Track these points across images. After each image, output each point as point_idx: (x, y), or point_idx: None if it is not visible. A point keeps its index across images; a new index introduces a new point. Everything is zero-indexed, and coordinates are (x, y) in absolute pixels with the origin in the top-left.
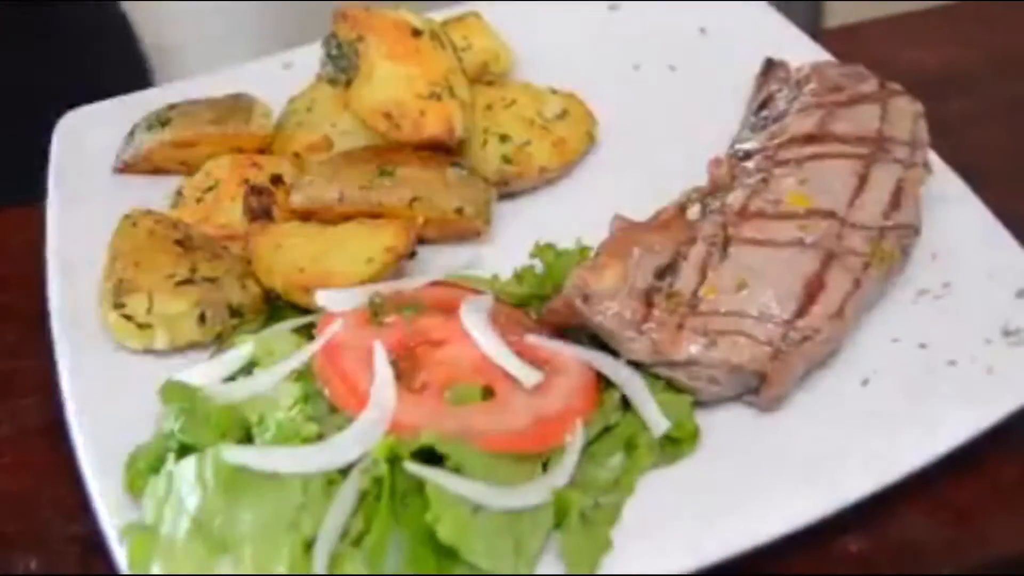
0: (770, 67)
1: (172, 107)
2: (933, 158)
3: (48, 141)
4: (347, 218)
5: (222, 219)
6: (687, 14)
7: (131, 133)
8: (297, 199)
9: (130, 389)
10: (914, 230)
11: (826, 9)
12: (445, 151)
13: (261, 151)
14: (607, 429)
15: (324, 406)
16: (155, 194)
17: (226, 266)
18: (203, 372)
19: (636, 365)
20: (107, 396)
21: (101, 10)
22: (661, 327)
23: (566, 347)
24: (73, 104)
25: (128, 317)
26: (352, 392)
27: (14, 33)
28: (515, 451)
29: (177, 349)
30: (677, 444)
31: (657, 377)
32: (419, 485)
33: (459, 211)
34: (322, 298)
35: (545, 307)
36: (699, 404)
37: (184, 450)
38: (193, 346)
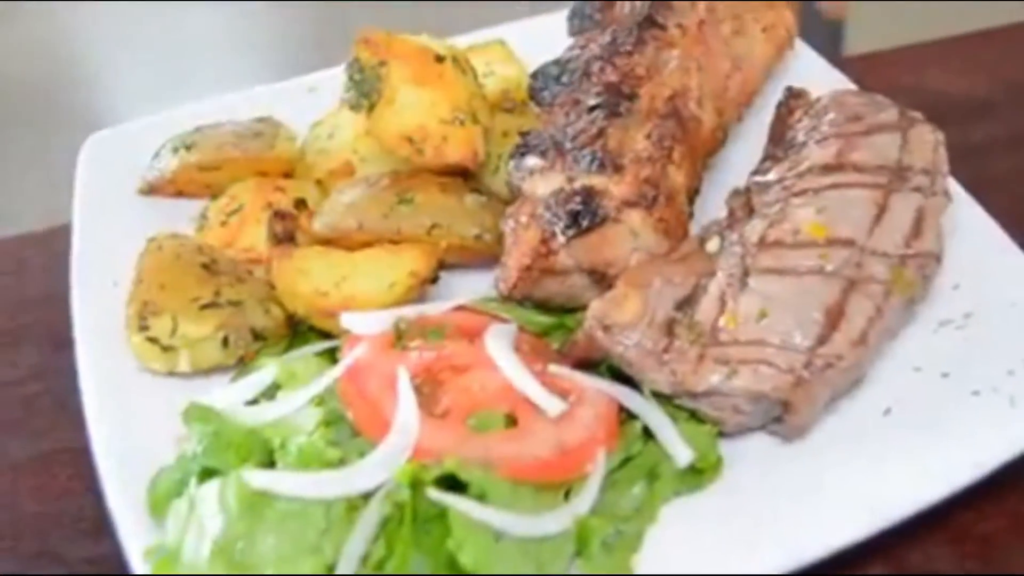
0: (791, 95)
1: (197, 130)
2: (955, 187)
3: None
4: (368, 244)
5: (246, 243)
6: None
7: (156, 155)
8: (317, 227)
9: (153, 411)
10: (935, 258)
11: (848, 37)
12: (465, 177)
13: (286, 175)
14: (629, 459)
15: (346, 430)
16: (179, 216)
17: (250, 290)
18: (226, 395)
19: (660, 395)
20: (130, 418)
21: None
22: (682, 358)
23: (588, 378)
24: None
25: (152, 340)
26: (375, 418)
27: None
28: (538, 479)
29: (200, 372)
30: (700, 474)
31: (681, 408)
32: (441, 511)
33: (478, 238)
34: (347, 321)
35: (566, 340)
36: (722, 434)
37: (207, 473)
38: (216, 369)
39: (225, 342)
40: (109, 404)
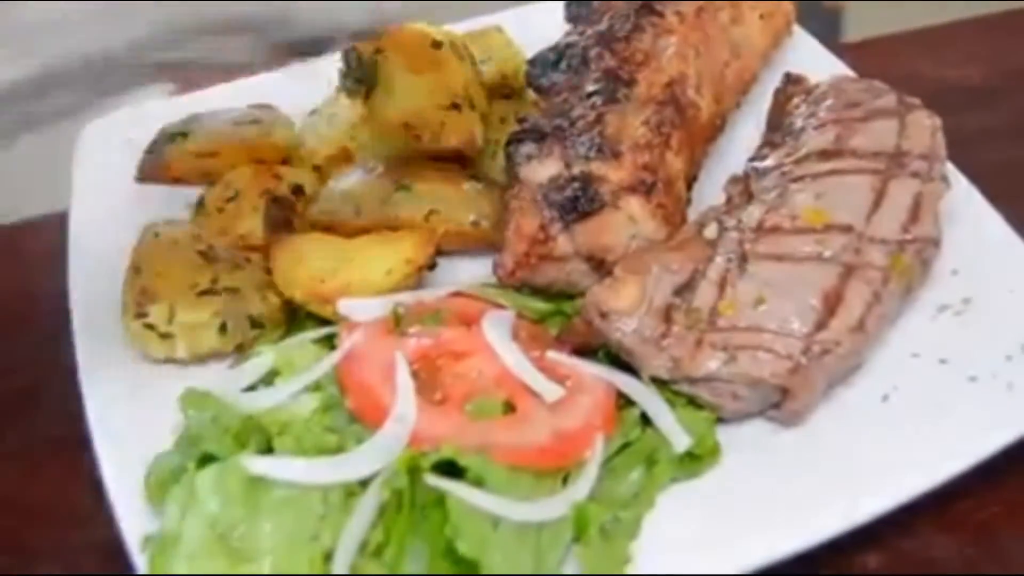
0: (789, 82)
1: (194, 117)
2: (953, 173)
3: None
4: (365, 230)
5: (243, 229)
6: None
7: (153, 143)
8: (314, 213)
9: (151, 398)
10: (933, 243)
11: (846, 23)
12: (463, 163)
13: (283, 161)
14: (627, 445)
15: (344, 416)
16: (176, 204)
17: (247, 277)
18: (224, 382)
19: (658, 381)
20: (128, 405)
21: None
22: (680, 343)
23: (586, 364)
24: None
25: (150, 326)
26: (373, 405)
27: None
28: (535, 466)
29: (198, 359)
30: (698, 460)
31: (679, 394)
32: (439, 498)
33: (475, 224)
34: (344, 307)
35: (564, 327)
36: (720, 420)
37: (205, 459)
38: (214, 356)
39: (222, 328)
40: (106, 391)
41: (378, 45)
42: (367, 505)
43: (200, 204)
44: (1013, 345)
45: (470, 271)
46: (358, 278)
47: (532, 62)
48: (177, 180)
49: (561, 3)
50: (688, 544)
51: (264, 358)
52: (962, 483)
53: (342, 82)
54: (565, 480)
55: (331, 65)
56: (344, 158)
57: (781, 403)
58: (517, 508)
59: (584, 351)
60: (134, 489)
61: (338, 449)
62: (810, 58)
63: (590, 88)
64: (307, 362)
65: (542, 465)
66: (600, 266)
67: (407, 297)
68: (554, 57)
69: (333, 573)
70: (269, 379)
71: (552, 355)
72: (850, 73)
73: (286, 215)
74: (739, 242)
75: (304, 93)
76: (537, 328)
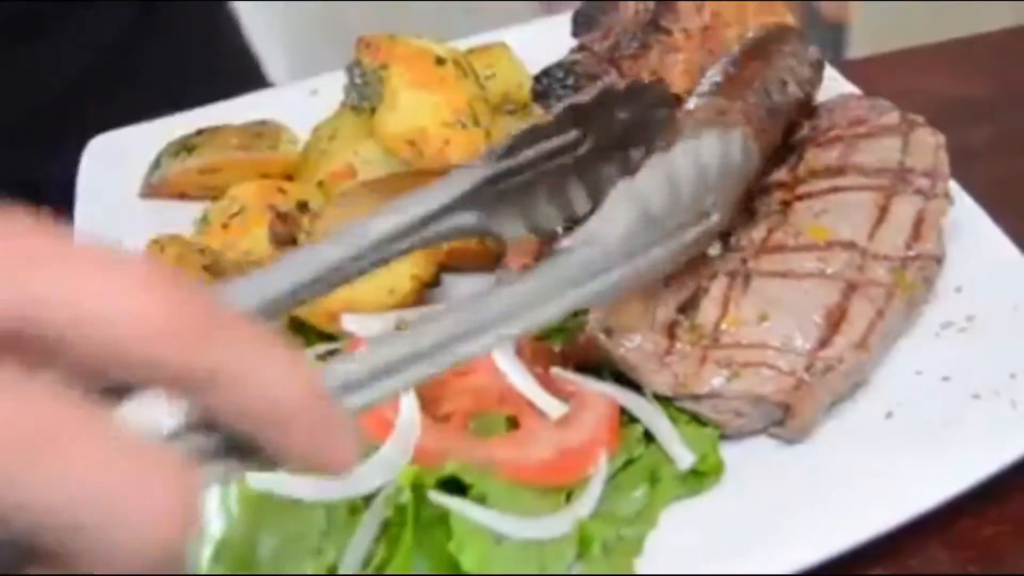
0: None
1: (199, 132)
2: (956, 190)
3: None
4: None
5: (247, 245)
6: None
7: (158, 158)
8: (318, 229)
9: (156, 413)
10: (936, 260)
11: (851, 40)
12: None
13: (287, 177)
14: (630, 462)
15: None
16: (180, 219)
17: None
18: None
19: (662, 398)
20: (132, 419)
21: (219, 10)
22: (684, 360)
23: (590, 381)
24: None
25: None
26: (377, 420)
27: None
28: (539, 482)
29: None
30: (701, 477)
31: (682, 411)
32: (443, 514)
33: (480, 240)
34: (349, 322)
35: (568, 343)
36: (723, 436)
37: None
38: None
39: None
40: None
41: (382, 61)
42: (371, 521)
43: (204, 220)
44: (1017, 363)
45: (474, 288)
46: (361, 295)
47: (538, 78)
48: (182, 195)
49: (567, 19)
50: (691, 561)
51: None
52: (966, 500)
53: (347, 97)
54: (568, 497)
55: (336, 81)
56: (348, 174)
57: (784, 420)
58: (520, 525)
59: (588, 368)
60: None
61: None
62: None
63: None
64: None
65: (546, 482)
66: None
67: (411, 313)
68: (560, 74)
69: None
70: None
71: (556, 372)
72: (854, 90)
73: (291, 230)
74: (742, 259)
75: (309, 109)
76: (541, 345)
